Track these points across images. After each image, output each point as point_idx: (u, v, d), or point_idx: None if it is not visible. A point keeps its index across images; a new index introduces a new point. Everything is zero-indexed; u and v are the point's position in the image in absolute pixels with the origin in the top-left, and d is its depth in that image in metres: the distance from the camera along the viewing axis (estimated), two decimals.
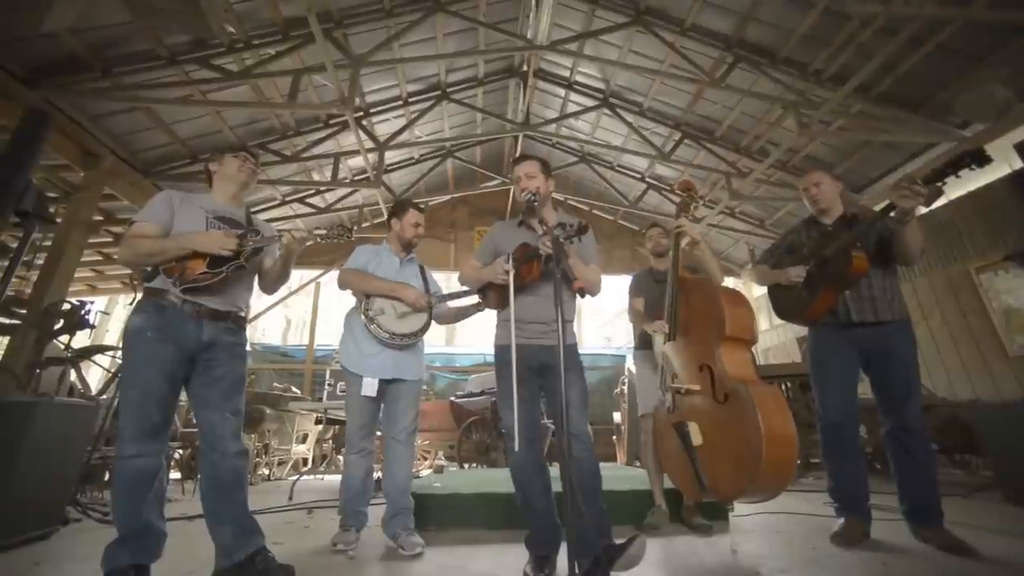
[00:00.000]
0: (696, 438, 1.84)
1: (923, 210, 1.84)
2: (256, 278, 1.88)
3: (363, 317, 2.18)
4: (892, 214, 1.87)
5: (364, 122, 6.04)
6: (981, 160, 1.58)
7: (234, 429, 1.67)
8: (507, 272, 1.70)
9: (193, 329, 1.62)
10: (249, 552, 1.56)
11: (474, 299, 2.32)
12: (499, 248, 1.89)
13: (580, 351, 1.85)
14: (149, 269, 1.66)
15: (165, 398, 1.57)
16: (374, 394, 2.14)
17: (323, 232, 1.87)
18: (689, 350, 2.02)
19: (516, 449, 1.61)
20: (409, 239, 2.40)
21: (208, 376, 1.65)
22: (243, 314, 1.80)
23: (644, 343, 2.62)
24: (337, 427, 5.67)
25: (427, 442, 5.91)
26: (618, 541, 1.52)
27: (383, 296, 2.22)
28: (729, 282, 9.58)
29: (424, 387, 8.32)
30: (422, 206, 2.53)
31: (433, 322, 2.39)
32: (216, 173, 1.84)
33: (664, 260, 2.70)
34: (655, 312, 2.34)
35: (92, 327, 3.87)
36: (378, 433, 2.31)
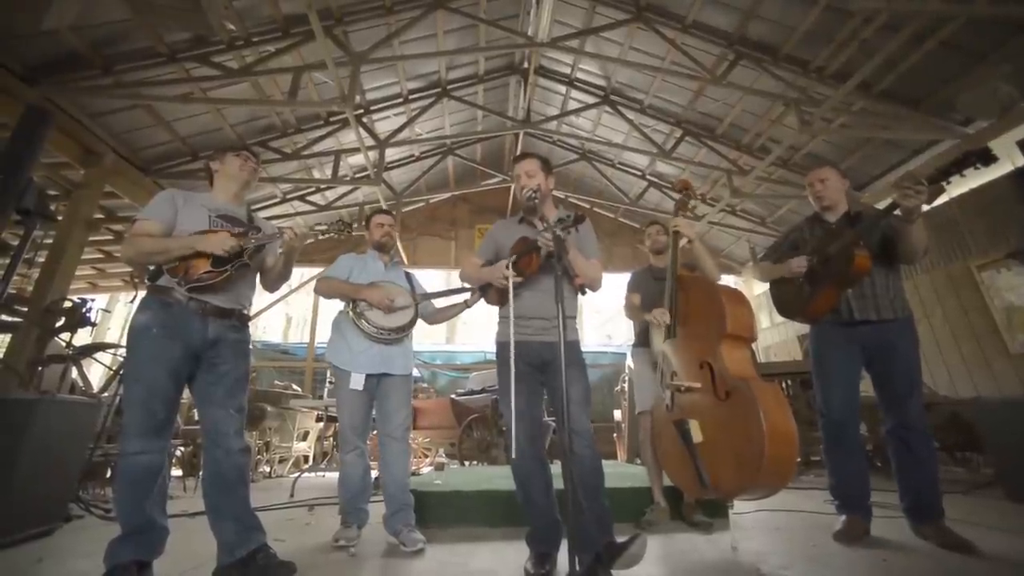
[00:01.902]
0: (696, 435, 1.84)
1: (924, 207, 1.84)
2: (258, 275, 1.89)
3: (352, 314, 2.23)
4: (897, 213, 1.86)
5: (364, 119, 6.03)
6: (987, 159, 1.57)
7: (237, 426, 1.68)
8: (506, 278, 1.71)
9: (199, 327, 1.62)
10: (251, 549, 1.57)
11: (462, 298, 2.42)
12: (500, 245, 1.90)
13: (581, 349, 1.85)
14: (152, 268, 1.66)
15: (170, 395, 1.57)
16: (360, 388, 2.16)
17: (324, 228, 1.88)
18: (689, 347, 2.02)
19: (514, 448, 1.62)
20: (377, 240, 2.45)
21: (213, 373, 1.66)
22: (247, 311, 1.80)
23: (643, 340, 2.60)
24: (338, 424, 5.69)
25: (428, 440, 5.93)
26: (619, 539, 1.53)
27: (354, 298, 2.26)
28: (729, 280, 9.58)
29: (425, 385, 8.31)
30: (390, 210, 2.59)
31: (427, 323, 2.47)
32: (218, 172, 1.84)
33: (663, 257, 2.71)
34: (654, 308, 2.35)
35: (93, 325, 3.87)
36: (373, 432, 2.32)
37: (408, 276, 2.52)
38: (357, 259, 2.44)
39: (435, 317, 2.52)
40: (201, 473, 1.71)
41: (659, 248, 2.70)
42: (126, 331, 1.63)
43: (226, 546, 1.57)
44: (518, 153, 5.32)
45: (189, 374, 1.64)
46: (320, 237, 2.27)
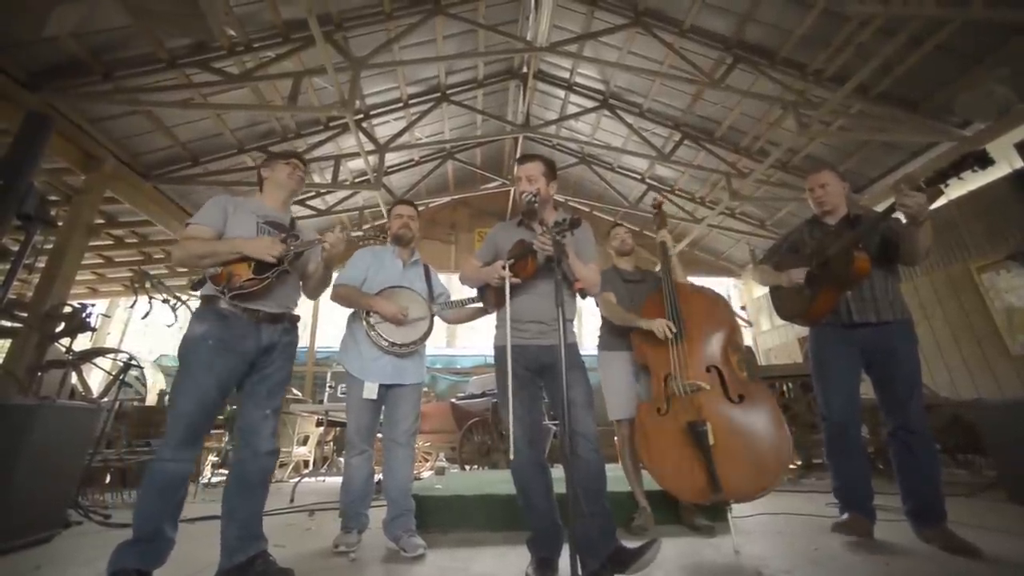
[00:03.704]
0: (710, 438, 1.87)
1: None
2: (300, 282, 1.92)
3: (365, 323, 2.20)
4: (900, 216, 1.87)
5: (364, 124, 6.05)
6: (984, 162, 1.58)
7: (271, 428, 1.71)
8: (502, 278, 1.71)
9: (253, 336, 1.66)
10: (250, 555, 1.57)
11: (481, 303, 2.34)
12: (499, 247, 1.90)
13: (581, 352, 1.84)
14: (196, 279, 1.73)
15: (215, 407, 1.60)
16: (375, 397, 2.15)
17: (360, 234, 1.93)
18: (694, 352, 2.08)
19: (512, 453, 1.63)
20: (395, 232, 2.39)
21: (259, 374, 1.70)
22: (295, 312, 1.84)
23: (611, 343, 2.50)
24: (338, 429, 5.68)
25: (428, 444, 5.91)
26: (628, 545, 1.52)
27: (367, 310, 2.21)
28: (729, 283, 9.59)
29: (425, 389, 8.31)
30: (415, 202, 2.58)
31: (438, 321, 2.41)
32: (267, 179, 1.90)
33: (629, 260, 2.72)
34: (642, 312, 2.36)
35: (93, 330, 3.88)
36: (378, 436, 2.31)
37: (427, 274, 2.45)
38: (375, 255, 2.36)
39: (458, 317, 2.45)
40: (199, 479, 1.71)
41: (625, 250, 2.68)
42: (179, 341, 1.64)
43: (227, 550, 1.58)
44: (520, 155, 5.33)
45: (238, 383, 1.67)
46: (360, 244, 2.26)
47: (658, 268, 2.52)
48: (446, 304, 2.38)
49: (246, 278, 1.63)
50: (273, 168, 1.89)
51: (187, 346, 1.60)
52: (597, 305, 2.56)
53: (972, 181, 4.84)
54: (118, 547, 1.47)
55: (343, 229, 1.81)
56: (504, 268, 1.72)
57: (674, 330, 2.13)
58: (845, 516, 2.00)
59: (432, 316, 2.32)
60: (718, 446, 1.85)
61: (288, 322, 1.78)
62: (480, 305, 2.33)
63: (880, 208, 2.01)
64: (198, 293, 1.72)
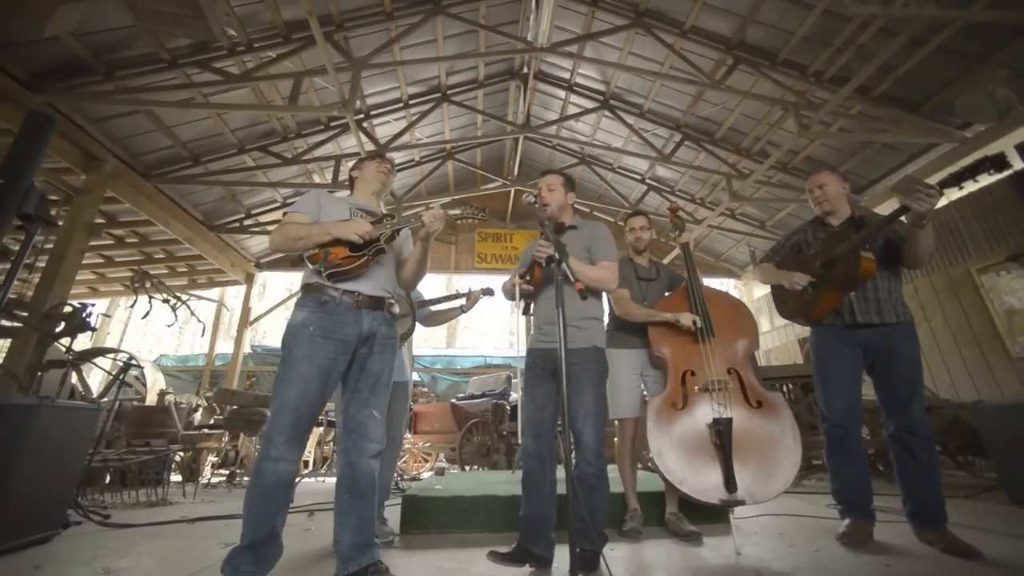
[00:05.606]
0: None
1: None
2: (396, 270, 1.92)
3: None
4: (904, 218, 1.87)
5: (365, 124, 6.05)
6: (1001, 166, 1.59)
7: (378, 429, 1.66)
8: (514, 285, 1.89)
9: (353, 321, 1.65)
10: (364, 565, 1.54)
11: (458, 302, 2.60)
12: (527, 260, 2.02)
13: (597, 355, 1.84)
14: (295, 256, 1.76)
15: (318, 399, 1.57)
16: None
17: (458, 212, 1.85)
18: (719, 352, 2.12)
19: (521, 448, 1.67)
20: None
21: (363, 371, 1.67)
22: (393, 300, 1.83)
23: (618, 341, 2.44)
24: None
25: (428, 444, 5.91)
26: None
27: None
28: (729, 284, 9.59)
29: (425, 389, 8.31)
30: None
31: (424, 326, 2.62)
32: (357, 177, 2.00)
33: (644, 256, 2.62)
34: (661, 307, 2.37)
35: (93, 330, 3.87)
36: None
37: None
38: None
39: (432, 320, 2.58)
40: (336, 476, 1.66)
41: (641, 247, 2.59)
42: (284, 332, 1.62)
43: (340, 557, 1.56)
44: (518, 162, 5.22)
45: (340, 375, 1.65)
46: (457, 222, 2.33)
47: (666, 261, 2.56)
48: (425, 301, 2.52)
49: (343, 256, 1.65)
50: (362, 168, 2.01)
51: (288, 335, 1.60)
52: (610, 302, 2.50)
53: (972, 182, 4.85)
54: (231, 553, 1.43)
55: (442, 206, 1.80)
56: (518, 277, 1.89)
57: (699, 324, 2.17)
58: (846, 523, 1.99)
59: (413, 313, 2.42)
60: (736, 447, 1.86)
61: (388, 311, 1.76)
62: (456, 305, 2.60)
63: (879, 209, 2.01)
64: (299, 280, 1.74)
